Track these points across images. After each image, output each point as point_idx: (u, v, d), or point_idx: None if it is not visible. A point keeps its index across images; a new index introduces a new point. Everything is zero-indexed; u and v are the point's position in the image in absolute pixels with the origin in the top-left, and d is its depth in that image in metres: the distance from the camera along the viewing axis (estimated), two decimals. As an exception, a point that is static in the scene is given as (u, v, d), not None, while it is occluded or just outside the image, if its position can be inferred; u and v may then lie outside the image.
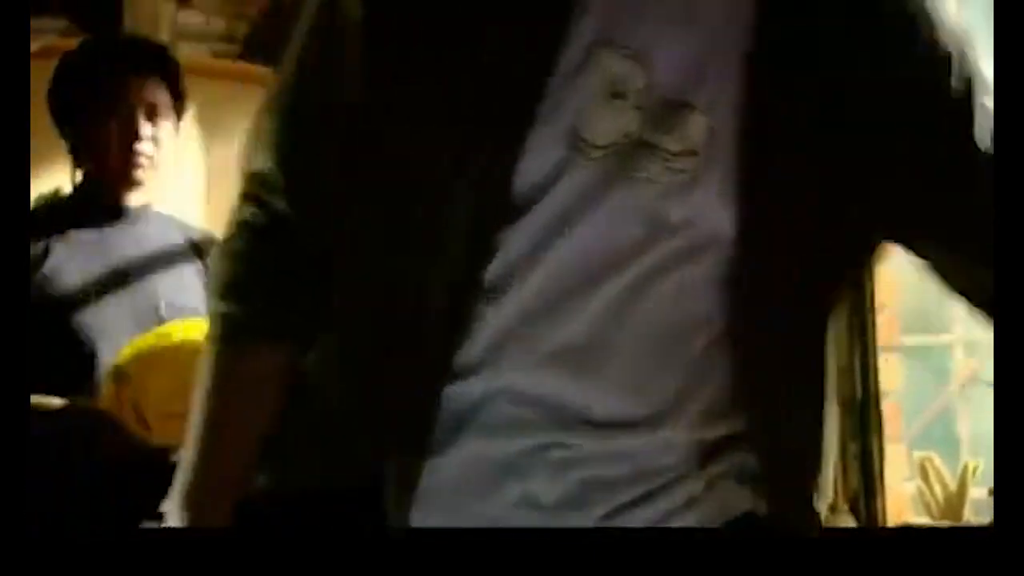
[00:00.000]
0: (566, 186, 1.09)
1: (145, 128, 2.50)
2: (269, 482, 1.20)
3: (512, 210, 1.09)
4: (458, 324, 1.10)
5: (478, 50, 1.10)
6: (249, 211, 1.22)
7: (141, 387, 2.33)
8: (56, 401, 2.37)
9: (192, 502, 1.19)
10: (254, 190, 1.22)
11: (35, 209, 2.67)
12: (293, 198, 1.19)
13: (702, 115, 1.10)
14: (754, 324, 1.11)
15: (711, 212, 1.10)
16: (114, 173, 2.52)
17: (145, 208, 2.58)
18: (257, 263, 1.21)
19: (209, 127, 3.76)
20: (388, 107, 1.13)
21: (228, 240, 1.23)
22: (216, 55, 3.90)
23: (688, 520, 1.13)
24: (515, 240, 1.09)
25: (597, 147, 1.09)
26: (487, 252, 1.09)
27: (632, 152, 1.09)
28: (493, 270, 1.10)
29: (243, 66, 3.97)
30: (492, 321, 1.10)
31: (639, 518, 1.12)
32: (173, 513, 1.19)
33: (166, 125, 2.55)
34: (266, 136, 1.22)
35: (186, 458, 1.22)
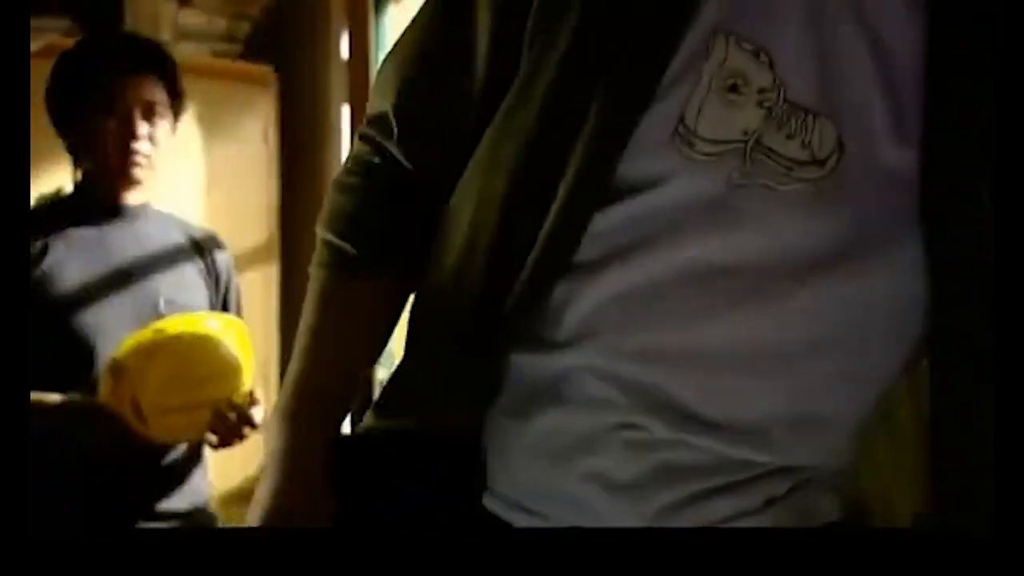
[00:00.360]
0: (680, 183, 1.05)
1: (142, 127, 2.49)
2: (373, 421, 1.20)
3: (611, 194, 1.06)
4: (538, 296, 1.09)
5: (603, 23, 1.07)
6: (365, 149, 1.25)
7: (139, 380, 2.33)
8: (54, 397, 2.37)
9: (290, 416, 1.20)
10: (371, 131, 1.25)
11: (35, 208, 2.66)
12: (405, 145, 1.22)
13: (831, 124, 1.05)
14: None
15: (832, 229, 1.05)
16: (112, 172, 2.51)
17: (144, 206, 2.57)
18: (366, 201, 1.23)
19: (209, 127, 3.75)
20: (507, 70, 1.12)
21: (343, 173, 1.26)
22: (217, 55, 3.90)
23: (762, 522, 1.10)
24: (617, 225, 1.06)
25: (707, 140, 1.05)
26: (577, 232, 1.07)
27: (750, 155, 1.05)
28: (589, 251, 1.07)
29: (244, 66, 3.96)
30: (589, 300, 1.08)
31: (710, 510, 1.09)
32: (271, 428, 1.21)
33: (163, 124, 2.53)
34: (388, 80, 1.23)
35: (289, 372, 1.23)
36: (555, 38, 1.09)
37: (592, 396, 1.09)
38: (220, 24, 4.00)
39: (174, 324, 2.42)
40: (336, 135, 3.90)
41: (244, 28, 4.04)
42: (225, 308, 2.64)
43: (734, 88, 1.05)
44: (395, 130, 1.21)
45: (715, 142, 1.05)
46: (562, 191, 1.07)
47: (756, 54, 1.05)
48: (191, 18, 3.92)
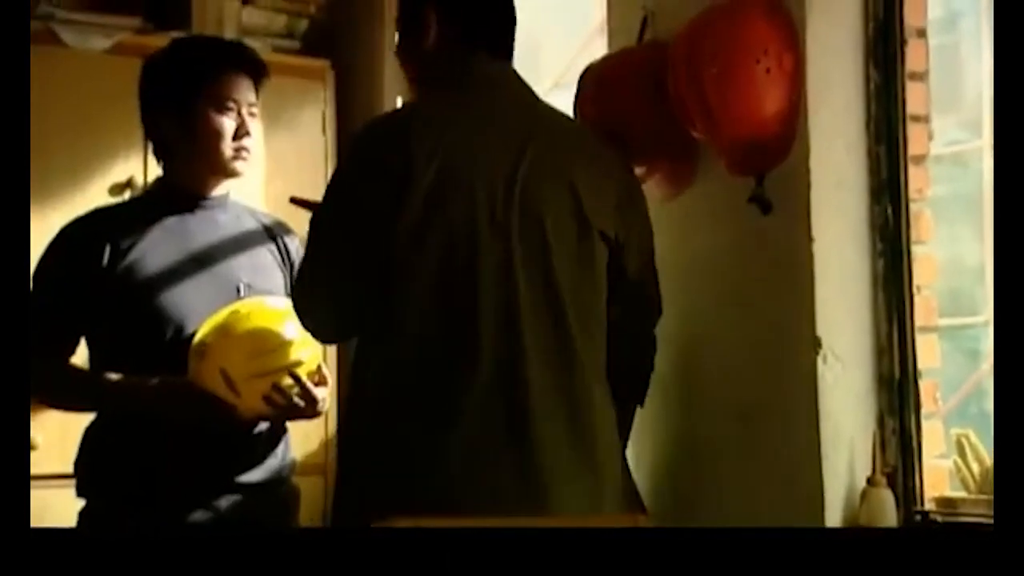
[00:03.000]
0: None
1: (250, 123, 2.52)
2: None
3: None
4: None
5: None
6: None
7: (223, 353, 2.35)
8: (151, 380, 2.39)
9: None
10: None
11: (127, 201, 2.70)
12: None
13: None
14: None
15: None
16: (217, 165, 2.53)
17: (225, 196, 2.60)
18: None
19: (269, 119, 3.74)
20: None
21: None
22: (276, 51, 3.91)
23: None
24: None
25: None
26: None
27: None
28: None
29: (302, 60, 3.99)
30: None
31: None
32: None
33: (256, 123, 2.57)
34: None
35: None
36: None
37: None
38: (280, 21, 4.03)
39: (247, 304, 2.45)
40: (391, 126, 3.91)
41: (302, 25, 4.07)
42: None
43: None
44: None
45: None
46: None
47: None
48: (254, 16, 3.95)
